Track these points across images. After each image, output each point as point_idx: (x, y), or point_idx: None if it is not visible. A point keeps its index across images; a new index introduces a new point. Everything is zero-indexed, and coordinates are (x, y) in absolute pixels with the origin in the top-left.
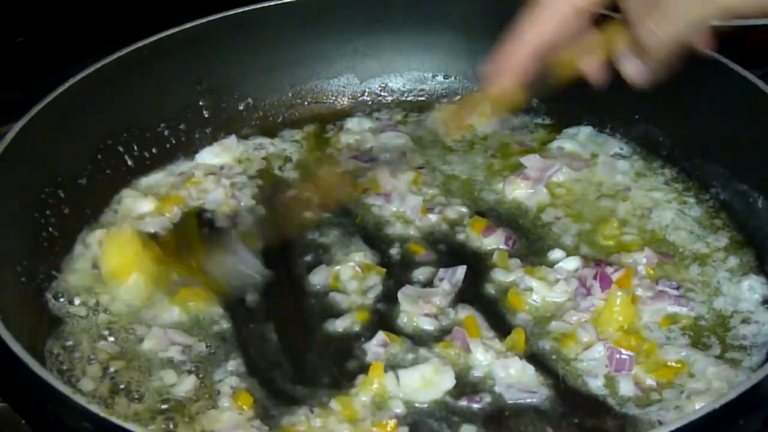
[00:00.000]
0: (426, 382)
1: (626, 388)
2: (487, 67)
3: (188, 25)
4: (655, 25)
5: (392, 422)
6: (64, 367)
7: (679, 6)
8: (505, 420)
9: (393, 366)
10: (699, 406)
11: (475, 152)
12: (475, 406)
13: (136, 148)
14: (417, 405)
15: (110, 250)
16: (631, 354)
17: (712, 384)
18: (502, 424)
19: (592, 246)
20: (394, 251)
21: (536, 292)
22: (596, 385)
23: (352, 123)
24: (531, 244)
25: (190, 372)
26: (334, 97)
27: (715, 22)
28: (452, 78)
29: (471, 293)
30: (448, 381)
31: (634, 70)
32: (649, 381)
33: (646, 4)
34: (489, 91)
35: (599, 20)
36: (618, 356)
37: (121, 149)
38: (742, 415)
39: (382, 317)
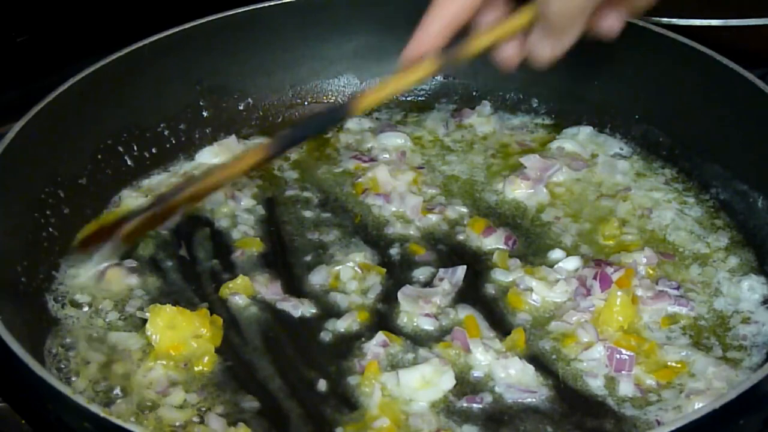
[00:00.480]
0: (426, 382)
1: (626, 388)
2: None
3: (188, 25)
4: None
5: None
6: (64, 367)
7: None
8: (505, 420)
9: (393, 366)
10: (699, 406)
11: (474, 152)
12: (476, 406)
13: (136, 148)
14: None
15: (163, 330)
16: (632, 354)
17: (712, 384)
18: (503, 423)
19: (591, 246)
20: (394, 251)
21: (536, 292)
22: (596, 385)
23: (351, 123)
24: (531, 244)
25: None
26: (334, 97)
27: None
28: (452, 78)
29: (471, 293)
30: (448, 381)
31: (538, 48)
32: (650, 381)
33: None
34: (404, 60)
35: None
36: (618, 356)
37: (121, 149)
38: (742, 415)
39: (383, 317)
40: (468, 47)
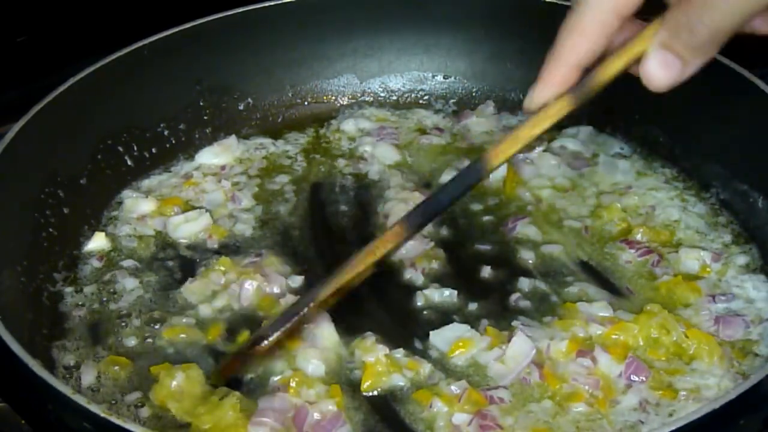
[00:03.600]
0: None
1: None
2: (531, 89)
3: (188, 25)
4: (702, 11)
5: None
6: (64, 367)
7: None
8: None
9: None
10: (699, 406)
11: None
12: None
13: (136, 148)
14: None
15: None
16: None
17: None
18: None
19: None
20: None
21: None
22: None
23: (348, 125)
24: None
25: None
26: (334, 97)
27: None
28: (452, 78)
29: None
30: None
31: (661, 69)
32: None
33: None
34: (533, 105)
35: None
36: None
37: (121, 149)
38: (742, 415)
39: None
40: (600, 77)
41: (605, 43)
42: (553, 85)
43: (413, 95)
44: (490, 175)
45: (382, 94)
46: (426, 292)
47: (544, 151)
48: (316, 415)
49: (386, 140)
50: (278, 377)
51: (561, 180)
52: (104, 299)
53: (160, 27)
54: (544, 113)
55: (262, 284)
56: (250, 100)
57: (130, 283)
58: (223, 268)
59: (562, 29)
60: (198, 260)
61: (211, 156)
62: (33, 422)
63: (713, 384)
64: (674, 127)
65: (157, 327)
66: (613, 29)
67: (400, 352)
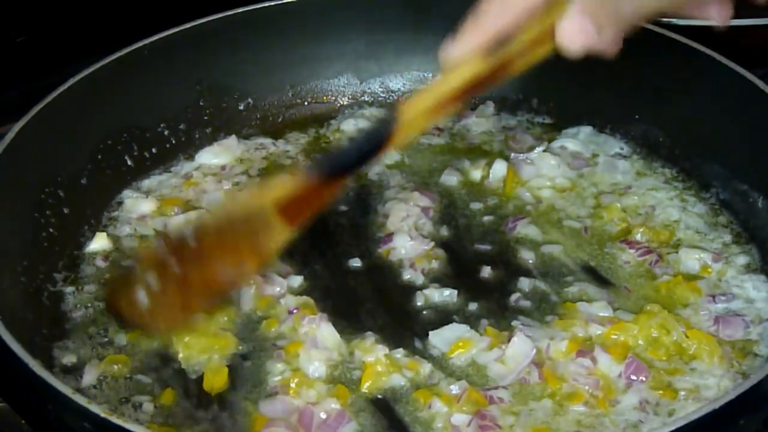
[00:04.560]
0: None
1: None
2: (446, 48)
3: (188, 25)
4: None
5: None
6: (64, 367)
7: None
8: None
9: None
10: (699, 406)
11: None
12: None
13: (136, 148)
14: None
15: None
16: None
17: (714, 383)
18: None
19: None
20: None
21: None
22: None
23: (348, 125)
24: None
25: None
26: (334, 97)
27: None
28: None
29: None
30: None
31: (577, 34)
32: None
33: None
34: (446, 62)
35: None
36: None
37: (121, 149)
38: (742, 415)
39: None
40: (518, 43)
41: (528, 16)
42: (469, 46)
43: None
44: (490, 175)
45: (382, 94)
46: (426, 292)
47: (544, 151)
48: (322, 415)
49: None
50: (278, 378)
51: (561, 180)
52: (104, 299)
53: (160, 27)
54: (458, 70)
55: (261, 284)
56: (250, 100)
57: None
58: None
59: None
60: None
61: (211, 156)
62: (33, 422)
63: (713, 384)
64: (674, 127)
65: None
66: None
67: (400, 352)
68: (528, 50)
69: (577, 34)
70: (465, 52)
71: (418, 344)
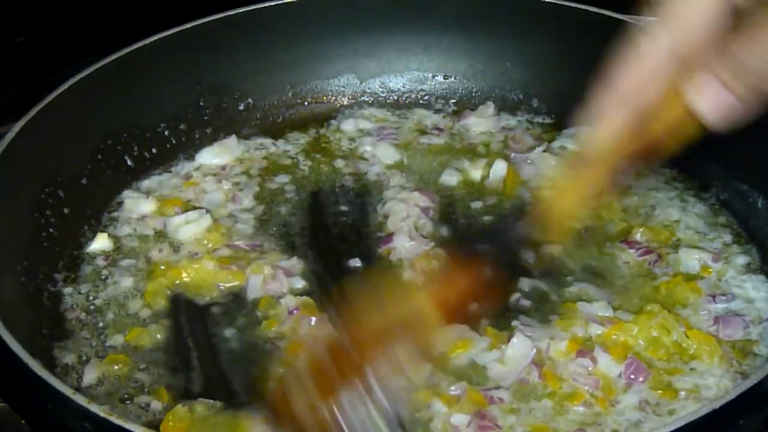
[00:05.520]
0: None
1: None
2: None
3: (188, 25)
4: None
5: None
6: (64, 367)
7: None
8: None
9: None
10: (699, 406)
11: None
12: None
13: (136, 148)
14: None
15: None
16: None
17: (714, 383)
18: None
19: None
20: None
21: None
22: None
23: (348, 125)
24: None
25: None
26: (334, 97)
27: None
28: (452, 78)
29: None
30: None
31: (720, 110)
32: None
33: None
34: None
35: None
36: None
37: (121, 149)
38: (742, 415)
39: None
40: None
41: (706, 36)
42: (613, 128)
43: (413, 95)
44: (490, 175)
45: (382, 94)
46: None
47: (544, 151)
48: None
49: (386, 140)
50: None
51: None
52: (104, 299)
53: (160, 27)
54: (604, 160)
55: (262, 284)
56: (250, 100)
57: (129, 283)
58: None
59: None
60: None
61: (211, 156)
62: (33, 422)
63: (713, 384)
64: None
65: None
66: (716, 18)
67: None
68: (674, 128)
69: (722, 111)
70: (610, 141)
71: None
